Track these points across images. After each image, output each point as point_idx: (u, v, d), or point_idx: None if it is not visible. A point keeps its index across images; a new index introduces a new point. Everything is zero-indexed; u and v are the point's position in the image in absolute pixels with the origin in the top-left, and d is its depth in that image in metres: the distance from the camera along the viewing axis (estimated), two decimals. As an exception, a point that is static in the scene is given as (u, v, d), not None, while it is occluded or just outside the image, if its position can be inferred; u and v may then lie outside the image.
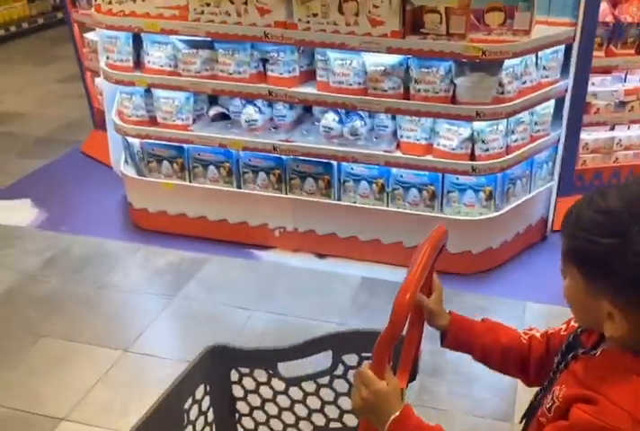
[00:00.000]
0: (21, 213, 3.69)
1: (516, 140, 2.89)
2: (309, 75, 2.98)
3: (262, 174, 3.18)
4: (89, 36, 3.87)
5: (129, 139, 3.30)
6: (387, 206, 3.07)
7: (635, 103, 3.13)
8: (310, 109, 3.17)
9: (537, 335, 1.26)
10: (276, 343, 1.56)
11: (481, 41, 2.59)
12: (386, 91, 2.79)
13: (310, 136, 3.05)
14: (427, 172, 2.93)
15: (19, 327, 2.80)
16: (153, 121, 3.23)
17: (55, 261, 3.26)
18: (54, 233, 3.49)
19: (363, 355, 1.50)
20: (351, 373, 1.49)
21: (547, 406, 1.02)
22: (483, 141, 2.80)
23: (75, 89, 4.73)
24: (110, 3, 2.97)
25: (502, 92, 2.71)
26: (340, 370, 1.55)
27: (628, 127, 3.31)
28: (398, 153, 2.92)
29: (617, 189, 0.96)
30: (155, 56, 3.04)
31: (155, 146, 3.27)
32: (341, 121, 2.96)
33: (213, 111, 3.15)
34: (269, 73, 2.96)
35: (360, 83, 2.83)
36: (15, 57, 6.54)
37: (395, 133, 3.00)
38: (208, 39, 2.92)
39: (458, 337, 1.29)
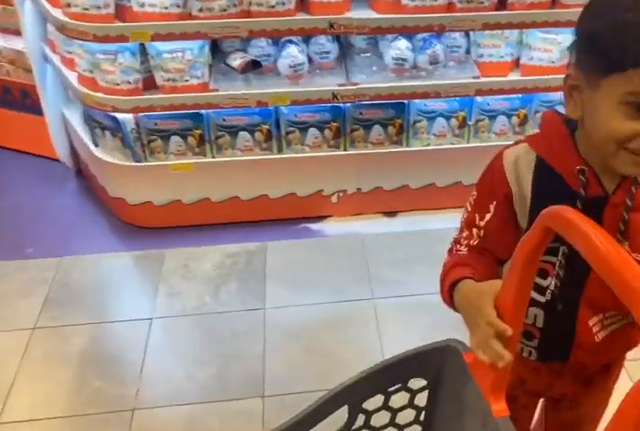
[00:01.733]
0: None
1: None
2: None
3: (312, 131, 2.56)
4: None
5: (119, 116, 2.44)
6: (468, 142, 2.67)
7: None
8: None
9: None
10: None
11: None
12: (481, 2, 2.30)
13: (373, 73, 2.48)
14: (520, 95, 2.55)
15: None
16: (151, 85, 2.40)
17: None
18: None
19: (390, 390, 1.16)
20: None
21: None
22: (583, 48, 2.46)
23: None
24: None
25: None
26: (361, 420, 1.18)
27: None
28: (488, 79, 2.49)
29: None
30: (154, -6, 2.18)
31: (160, 119, 2.46)
32: (413, 49, 2.43)
33: (239, 60, 2.40)
34: (311, -2, 2.29)
35: (445, -3, 2.30)
36: None
37: (467, 52, 2.55)
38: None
39: None
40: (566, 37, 2.43)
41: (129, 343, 2.27)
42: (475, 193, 1.17)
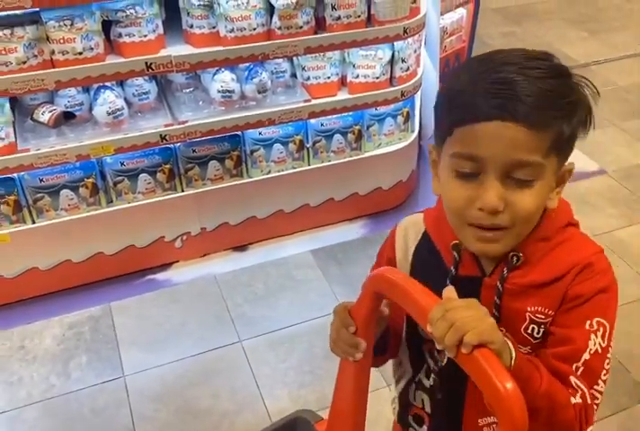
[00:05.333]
0: None
1: (415, 50, 2.77)
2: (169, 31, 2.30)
3: (143, 177, 2.45)
4: None
5: None
6: (309, 164, 2.72)
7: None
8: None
9: None
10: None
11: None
12: (301, 27, 2.33)
13: (200, 109, 2.43)
14: (351, 112, 2.65)
15: None
16: (-54, 155, 2.16)
17: None
18: None
19: None
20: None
21: (528, 332, 0.99)
22: (403, 60, 2.61)
23: None
24: None
25: (415, 1, 2.52)
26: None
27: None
28: (318, 100, 2.55)
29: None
30: None
31: (-37, 191, 2.23)
32: (238, 79, 2.41)
33: (48, 114, 2.22)
34: (124, 38, 2.18)
35: (263, 25, 2.30)
36: None
37: (293, 75, 2.59)
38: (32, 9, 1.97)
39: None
40: (385, 52, 2.55)
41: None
42: None
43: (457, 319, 0.81)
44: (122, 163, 2.40)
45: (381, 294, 0.96)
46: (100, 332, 2.46)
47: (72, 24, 2.04)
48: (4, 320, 2.46)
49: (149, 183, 2.47)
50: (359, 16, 2.38)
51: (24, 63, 2.04)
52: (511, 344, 0.86)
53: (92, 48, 2.10)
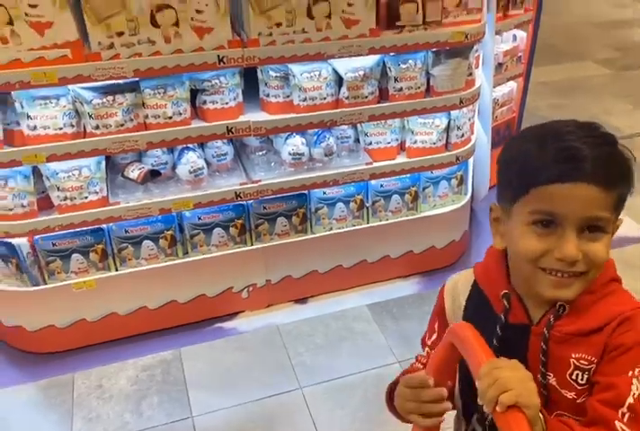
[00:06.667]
0: None
1: (470, 119, 3.00)
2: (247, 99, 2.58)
3: (217, 231, 2.69)
4: None
5: (14, 241, 2.43)
6: (368, 222, 2.93)
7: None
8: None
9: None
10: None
11: (446, 25, 2.58)
12: (366, 97, 2.59)
13: (271, 169, 2.68)
14: (408, 175, 2.87)
15: None
16: (47, 205, 2.42)
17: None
18: None
19: None
20: None
21: (572, 378, 1.08)
22: (458, 128, 2.84)
23: None
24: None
25: (470, 74, 2.77)
26: None
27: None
28: (380, 163, 2.78)
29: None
30: (44, 117, 2.24)
31: (58, 239, 2.48)
32: (307, 143, 2.67)
33: (137, 171, 2.49)
34: (208, 105, 2.46)
35: (332, 95, 2.57)
36: None
37: (357, 140, 2.83)
38: (132, 79, 2.27)
39: None
40: (442, 120, 2.78)
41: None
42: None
43: (500, 377, 0.89)
44: (199, 218, 2.64)
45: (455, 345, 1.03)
46: (170, 375, 2.64)
47: (165, 92, 2.33)
48: (84, 361, 2.66)
49: (222, 237, 2.70)
50: (418, 87, 2.63)
51: (122, 126, 2.32)
52: (542, 416, 0.92)
53: (180, 114, 2.38)
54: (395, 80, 2.59)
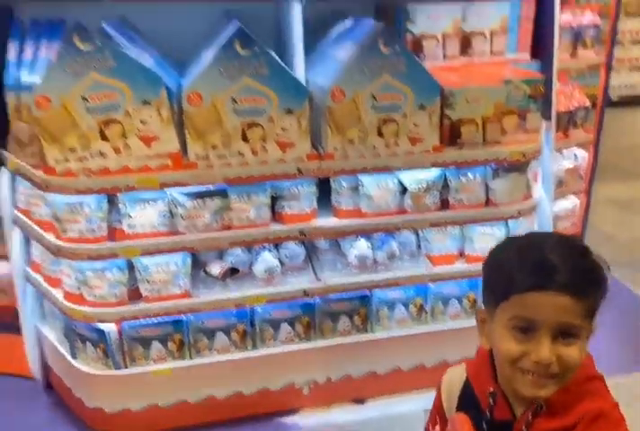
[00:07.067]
0: None
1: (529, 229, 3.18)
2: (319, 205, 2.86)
3: (284, 327, 2.88)
4: None
5: (104, 327, 2.68)
6: (428, 325, 3.08)
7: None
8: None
9: None
10: None
11: (505, 143, 2.83)
12: (428, 206, 2.83)
13: (337, 270, 2.90)
14: (466, 280, 3.03)
15: None
16: (135, 295, 2.68)
17: None
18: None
19: None
20: None
21: None
22: (515, 238, 3.02)
23: None
24: (66, 160, 2.41)
25: (528, 188, 2.99)
26: None
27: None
28: (439, 268, 2.97)
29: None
30: (143, 217, 2.55)
31: (142, 327, 2.71)
32: (372, 247, 2.89)
33: (219, 268, 2.76)
34: (286, 210, 2.74)
35: (397, 203, 2.82)
36: None
37: (418, 246, 3.04)
38: (221, 186, 2.58)
39: None
40: (501, 230, 2.98)
41: None
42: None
43: None
44: (270, 313, 2.85)
45: None
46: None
47: (249, 198, 2.62)
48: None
49: (289, 332, 2.89)
50: (478, 199, 2.86)
51: (208, 226, 2.61)
52: None
53: (261, 217, 2.66)
54: (456, 191, 2.83)
